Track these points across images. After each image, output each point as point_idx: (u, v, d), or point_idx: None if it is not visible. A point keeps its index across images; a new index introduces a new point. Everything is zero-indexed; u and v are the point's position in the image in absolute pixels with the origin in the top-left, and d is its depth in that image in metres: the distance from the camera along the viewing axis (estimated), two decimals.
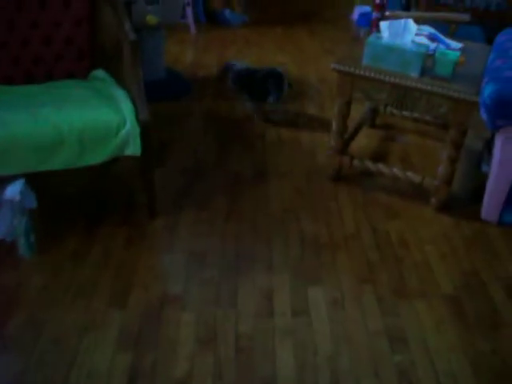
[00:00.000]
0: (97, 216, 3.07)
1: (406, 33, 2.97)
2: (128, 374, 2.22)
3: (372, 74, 2.99)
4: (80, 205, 3.16)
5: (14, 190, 2.65)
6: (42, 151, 2.63)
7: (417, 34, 3.10)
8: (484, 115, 2.63)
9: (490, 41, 3.65)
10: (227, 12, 6.21)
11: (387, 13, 3.37)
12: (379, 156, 3.78)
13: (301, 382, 2.24)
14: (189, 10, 5.77)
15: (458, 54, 2.93)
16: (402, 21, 2.99)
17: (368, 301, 2.64)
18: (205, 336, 2.40)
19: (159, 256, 2.86)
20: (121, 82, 3.05)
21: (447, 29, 3.67)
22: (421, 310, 2.60)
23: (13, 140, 2.57)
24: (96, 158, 2.76)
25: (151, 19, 4.13)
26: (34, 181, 2.77)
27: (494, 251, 2.99)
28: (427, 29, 3.32)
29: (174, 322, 2.46)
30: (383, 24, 3.03)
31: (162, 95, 4.35)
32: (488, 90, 2.57)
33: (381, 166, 3.33)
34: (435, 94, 2.89)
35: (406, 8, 4.54)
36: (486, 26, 4.36)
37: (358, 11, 6.48)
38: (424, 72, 2.95)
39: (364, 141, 3.93)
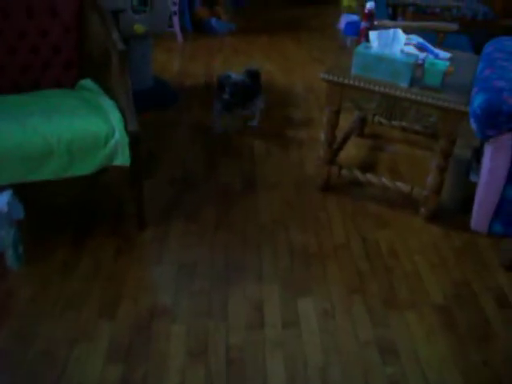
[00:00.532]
0: (86, 227, 3.04)
1: (395, 42, 2.98)
2: None
3: (361, 84, 2.99)
4: (69, 215, 3.12)
5: (1, 201, 2.61)
6: (30, 161, 2.60)
7: (405, 44, 3.11)
8: (474, 125, 2.63)
9: (477, 50, 3.66)
10: (213, 21, 6.21)
11: (376, 22, 3.37)
12: (368, 166, 3.78)
13: None
14: (176, 19, 5.76)
15: (447, 63, 2.94)
16: (391, 30, 3.00)
17: (358, 311, 2.63)
18: (195, 348, 2.38)
19: (148, 267, 2.83)
20: (109, 91, 3.03)
21: (434, 38, 3.68)
22: (411, 321, 2.59)
23: (1, 150, 2.54)
24: (85, 168, 2.73)
25: (139, 28, 4.11)
26: (22, 191, 2.74)
27: (483, 261, 2.99)
28: (415, 38, 3.32)
29: (164, 334, 2.44)
30: (372, 34, 3.03)
31: (150, 104, 4.32)
32: (478, 99, 2.56)
33: (369, 176, 3.33)
34: (425, 104, 2.89)
35: (393, 17, 4.55)
36: (473, 35, 4.37)
37: (344, 20, 6.48)
38: (413, 82, 2.96)
39: (352, 150, 3.93)
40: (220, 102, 3.95)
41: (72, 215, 3.13)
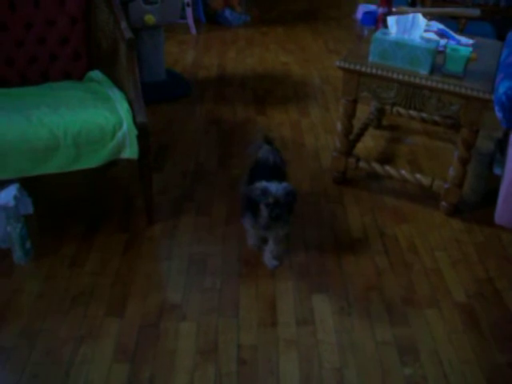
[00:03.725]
0: (94, 222, 2.99)
1: (414, 28, 2.86)
2: None
3: (379, 72, 2.89)
4: (77, 209, 3.07)
5: (7, 196, 2.59)
6: (36, 155, 2.55)
7: (425, 31, 3.00)
8: (499, 114, 2.51)
9: (500, 37, 3.54)
10: (228, 12, 6.13)
11: (394, 8, 3.26)
12: (386, 158, 3.69)
13: None
14: (189, 10, 5.69)
15: (471, 49, 2.82)
16: (411, 16, 2.88)
17: (376, 309, 2.55)
18: (205, 347, 2.32)
19: (158, 263, 2.76)
20: (117, 82, 2.97)
21: (455, 25, 3.57)
22: (432, 320, 2.50)
23: (6, 143, 2.49)
24: (92, 161, 2.68)
25: (150, 19, 4.04)
26: (29, 185, 2.70)
27: (508, 257, 2.89)
28: (436, 25, 3.22)
29: (173, 332, 2.38)
30: (391, 19, 2.92)
31: (162, 96, 4.29)
32: (503, 86, 2.45)
33: (388, 168, 3.23)
34: (446, 92, 2.78)
35: (412, 4, 4.43)
36: (496, 21, 4.24)
37: (361, 10, 6.39)
38: (434, 69, 2.85)
39: (370, 142, 3.83)
40: (256, 222, 2.69)
41: (80, 210, 3.08)
